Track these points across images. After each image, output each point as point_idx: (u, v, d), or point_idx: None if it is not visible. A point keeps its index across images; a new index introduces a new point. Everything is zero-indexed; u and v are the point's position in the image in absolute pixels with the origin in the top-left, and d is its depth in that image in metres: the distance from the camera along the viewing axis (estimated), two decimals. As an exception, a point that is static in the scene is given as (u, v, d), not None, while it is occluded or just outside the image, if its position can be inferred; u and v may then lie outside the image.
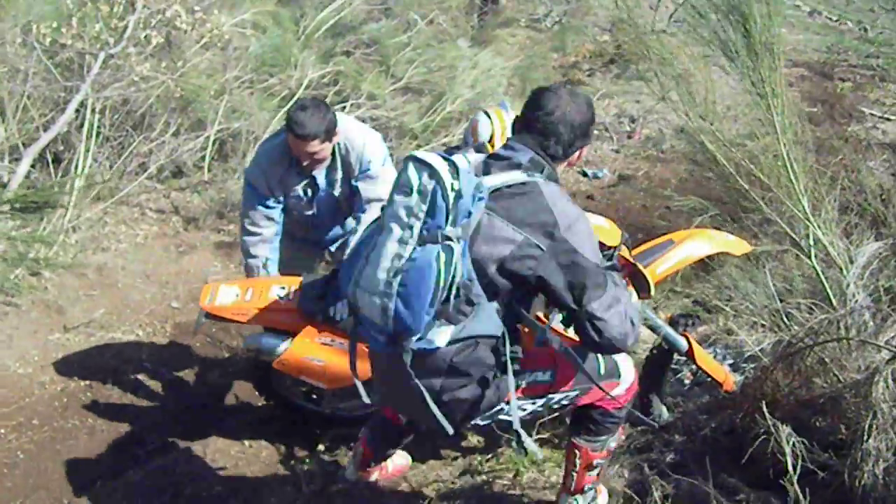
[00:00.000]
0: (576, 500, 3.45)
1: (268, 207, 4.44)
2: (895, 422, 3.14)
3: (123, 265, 6.28)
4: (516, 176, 2.76)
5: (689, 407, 4.17)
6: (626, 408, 3.29)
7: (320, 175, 4.39)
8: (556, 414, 3.57)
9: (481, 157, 2.91)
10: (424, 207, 2.58)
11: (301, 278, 4.00)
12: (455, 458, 4.15)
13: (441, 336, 2.68)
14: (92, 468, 4.35)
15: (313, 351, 3.80)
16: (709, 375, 3.98)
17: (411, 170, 2.62)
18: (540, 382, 3.04)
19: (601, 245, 3.38)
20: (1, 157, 6.25)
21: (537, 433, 4.14)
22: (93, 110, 6.64)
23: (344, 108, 7.83)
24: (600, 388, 3.01)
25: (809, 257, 4.31)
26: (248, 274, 4.58)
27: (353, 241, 4.27)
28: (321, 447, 4.42)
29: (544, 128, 2.86)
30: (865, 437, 3.13)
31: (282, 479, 4.19)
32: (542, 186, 2.75)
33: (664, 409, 4.10)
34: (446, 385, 2.82)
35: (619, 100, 10.18)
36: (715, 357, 4.25)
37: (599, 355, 3.09)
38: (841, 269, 4.18)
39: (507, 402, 2.89)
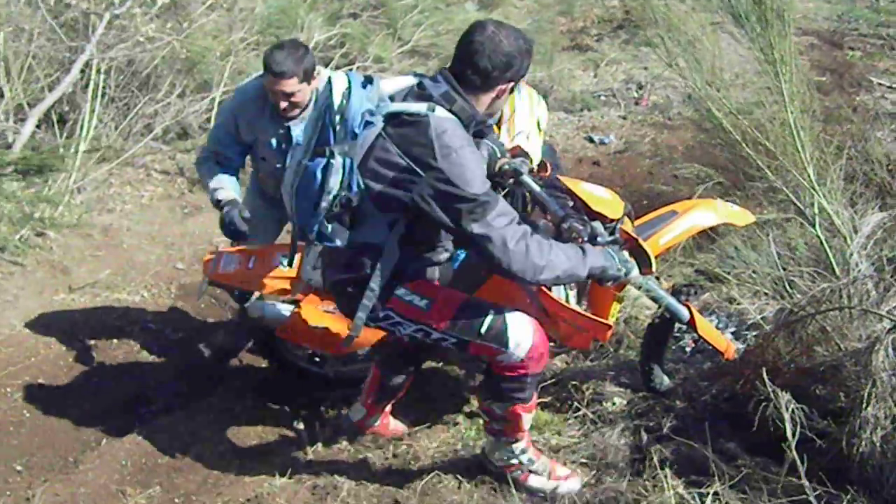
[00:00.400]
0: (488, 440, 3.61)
1: (226, 147, 4.39)
2: (894, 391, 3.15)
3: (128, 226, 6.30)
4: (418, 107, 2.96)
5: (689, 373, 4.19)
6: (515, 382, 3.28)
7: (297, 128, 4.22)
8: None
9: (412, 82, 3.10)
10: (319, 124, 2.99)
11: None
12: (456, 423, 4.17)
13: (340, 237, 3.07)
14: (97, 427, 4.38)
15: (316, 318, 3.80)
16: (710, 344, 3.99)
17: (323, 89, 3.03)
18: (414, 306, 3.21)
19: (602, 217, 3.41)
20: (6, 117, 6.26)
21: (539, 397, 4.17)
22: (98, 71, 6.64)
23: (350, 70, 7.80)
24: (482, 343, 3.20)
25: (814, 226, 4.31)
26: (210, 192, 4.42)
27: None
28: (324, 408, 4.44)
29: (463, 57, 3.02)
30: (864, 406, 3.14)
31: (285, 440, 4.21)
32: (433, 120, 2.93)
33: (665, 377, 4.11)
34: (342, 278, 3.24)
35: (626, 66, 10.15)
36: (717, 326, 4.26)
37: (490, 315, 3.19)
38: (845, 238, 4.17)
39: (391, 310, 3.22)
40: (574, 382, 4.30)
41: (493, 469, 3.59)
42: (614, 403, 4.14)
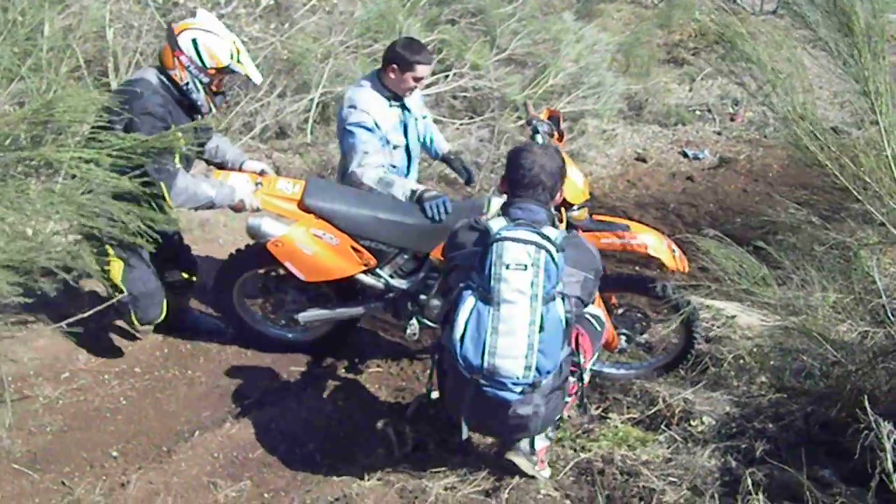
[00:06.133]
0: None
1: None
2: None
3: (225, 222, 6.40)
4: (558, 232, 3.38)
5: (782, 396, 4.13)
6: None
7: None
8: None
9: (501, 201, 3.65)
10: (542, 276, 3.23)
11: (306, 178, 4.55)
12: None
13: None
14: (190, 418, 4.48)
15: (306, 240, 4.32)
16: None
17: (515, 248, 3.27)
18: (576, 363, 3.61)
19: (565, 202, 4.17)
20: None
21: (627, 414, 4.15)
22: (202, 68, 6.76)
23: (447, 76, 7.88)
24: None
25: (913, 258, 4.22)
26: None
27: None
28: (411, 412, 4.47)
29: (530, 181, 3.45)
30: (972, 439, 3.07)
31: (375, 442, 4.24)
32: (583, 239, 3.64)
33: None
34: (544, 402, 3.41)
35: (722, 81, 10.00)
36: None
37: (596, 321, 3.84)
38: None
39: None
40: (663, 399, 4.27)
41: (527, 462, 3.72)
42: (703, 422, 4.10)
